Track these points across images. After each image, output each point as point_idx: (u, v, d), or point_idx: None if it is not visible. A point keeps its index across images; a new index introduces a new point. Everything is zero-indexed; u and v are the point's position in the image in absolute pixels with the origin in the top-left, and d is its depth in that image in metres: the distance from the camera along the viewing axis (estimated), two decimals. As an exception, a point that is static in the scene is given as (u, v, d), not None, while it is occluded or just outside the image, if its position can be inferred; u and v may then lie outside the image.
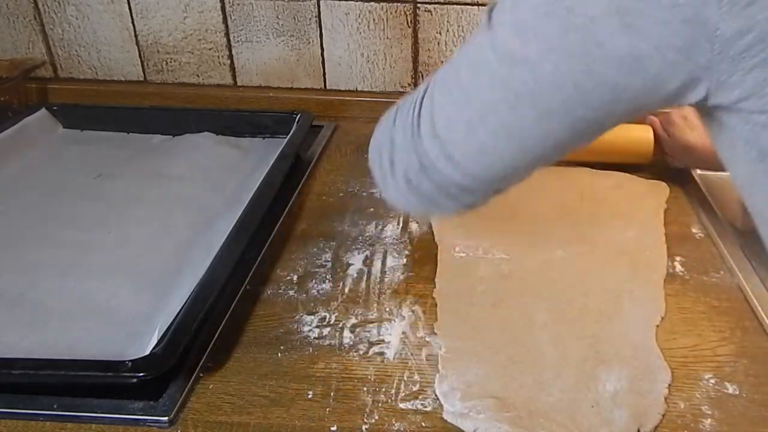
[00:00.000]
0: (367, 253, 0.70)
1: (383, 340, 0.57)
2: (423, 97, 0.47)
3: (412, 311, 0.61)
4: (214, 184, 0.83)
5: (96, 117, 0.97)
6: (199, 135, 0.94)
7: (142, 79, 1.07)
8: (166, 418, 0.49)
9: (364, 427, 0.49)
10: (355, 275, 0.66)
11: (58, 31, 1.04)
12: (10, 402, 0.50)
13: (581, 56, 0.37)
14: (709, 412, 0.50)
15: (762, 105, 0.35)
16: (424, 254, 0.69)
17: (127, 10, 1.01)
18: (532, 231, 0.73)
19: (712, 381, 0.53)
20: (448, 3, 0.97)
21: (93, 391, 0.51)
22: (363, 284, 0.65)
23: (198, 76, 1.06)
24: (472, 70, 0.43)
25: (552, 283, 0.64)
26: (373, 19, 0.99)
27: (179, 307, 0.56)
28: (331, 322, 0.60)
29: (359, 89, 1.05)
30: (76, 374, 0.51)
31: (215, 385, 0.53)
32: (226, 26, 1.02)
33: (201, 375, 0.54)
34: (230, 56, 1.04)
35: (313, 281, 0.65)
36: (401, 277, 0.66)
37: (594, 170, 0.84)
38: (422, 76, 1.03)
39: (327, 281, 0.65)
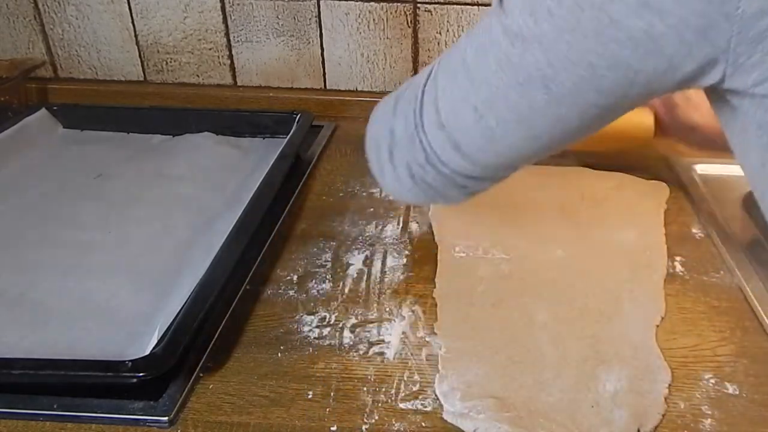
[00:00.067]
0: (367, 253, 0.70)
1: (383, 340, 0.57)
2: (425, 85, 0.46)
3: (412, 311, 0.61)
4: (214, 184, 0.82)
5: (96, 117, 0.97)
6: (199, 135, 0.94)
7: (142, 79, 1.07)
8: (166, 418, 0.49)
9: (364, 427, 0.49)
10: (355, 275, 0.66)
11: (58, 31, 1.03)
12: (10, 402, 0.50)
13: (596, 36, 0.35)
14: (709, 412, 0.50)
15: None
16: (424, 254, 0.69)
17: (127, 10, 1.01)
18: (532, 231, 0.73)
19: (712, 381, 0.53)
20: (448, 3, 0.97)
21: (93, 391, 0.51)
22: (363, 284, 0.65)
23: (198, 76, 1.06)
24: (479, 54, 0.41)
25: (552, 283, 0.64)
26: (373, 19, 0.99)
27: (179, 307, 0.56)
28: (331, 322, 0.60)
29: (359, 89, 1.05)
30: (76, 374, 0.51)
31: (215, 385, 0.53)
32: (226, 26, 1.02)
33: (201, 375, 0.54)
34: (230, 56, 1.04)
35: (313, 281, 0.65)
36: (401, 277, 0.66)
37: (594, 170, 0.84)
38: (422, 76, 1.03)
39: (327, 281, 0.65)
